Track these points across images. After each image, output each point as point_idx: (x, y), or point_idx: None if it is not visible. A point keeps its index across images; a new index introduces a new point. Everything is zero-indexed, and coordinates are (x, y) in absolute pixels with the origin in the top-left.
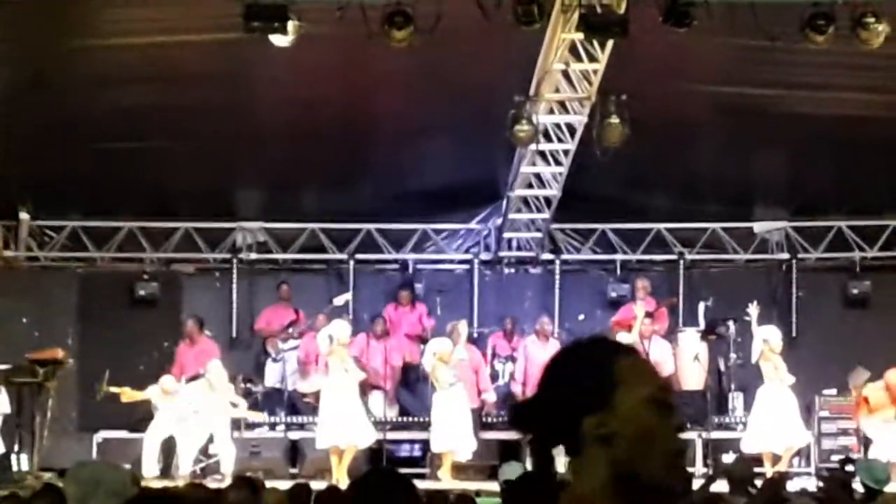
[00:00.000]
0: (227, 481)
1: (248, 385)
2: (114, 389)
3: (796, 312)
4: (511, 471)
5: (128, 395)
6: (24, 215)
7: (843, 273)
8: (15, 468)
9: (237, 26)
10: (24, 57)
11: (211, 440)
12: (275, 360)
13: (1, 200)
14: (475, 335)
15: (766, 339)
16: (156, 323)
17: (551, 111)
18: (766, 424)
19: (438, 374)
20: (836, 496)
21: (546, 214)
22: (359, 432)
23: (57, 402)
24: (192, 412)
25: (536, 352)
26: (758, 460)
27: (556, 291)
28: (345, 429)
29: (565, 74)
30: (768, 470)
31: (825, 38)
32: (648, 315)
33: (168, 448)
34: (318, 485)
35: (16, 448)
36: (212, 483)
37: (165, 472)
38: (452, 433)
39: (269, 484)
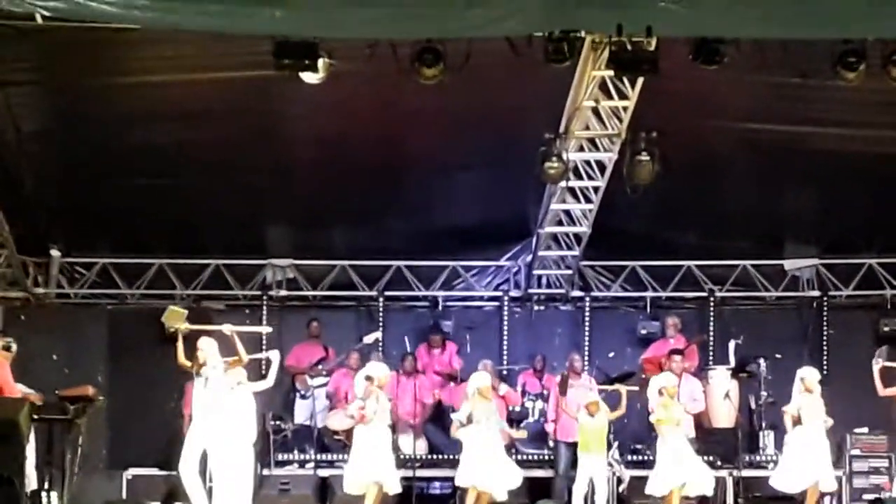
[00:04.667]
0: None
1: (278, 422)
2: (176, 326)
3: (827, 350)
4: None
5: (183, 332)
6: (54, 252)
7: (875, 310)
8: None
9: (268, 63)
10: (55, 94)
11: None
12: (304, 398)
13: (32, 237)
14: (504, 372)
15: (803, 378)
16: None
17: (581, 148)
18: (799, 463)
19: (477, 407)
20: None
21: (576, 251)
22: (391, 475)
23: (87, 439)
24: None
25: (575, 390)
26: (790, 499)
27: (586, 328)
28: (378, 470)
29: (595, 111)
30: None
31: (856, 76)
32: (679, 353)
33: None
34: None
35: (46, 485)
36: None
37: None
38: (483, 469)
39: None
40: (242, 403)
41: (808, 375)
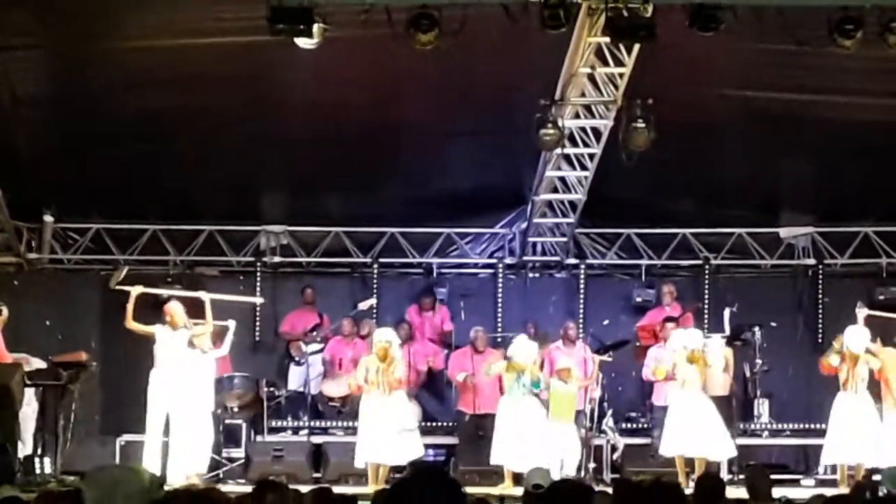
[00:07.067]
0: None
1: (272, 389)
2: (126, 288)
3: (822, 318)
4: (538, 476)
5: (135, 294)
6: (47, 218)
7: (870, 279)
8: (38, 471)
9: (262, 29)
10: (51, 59)
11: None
12: (298, 364)
13: (25, 203)
14: (499, 340)
15: (846, 342)
16: None
17: (577, 115)
18: (851, 434)
19: (504, 378)
20: None
21: (571, 219)
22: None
23: (80, 405)
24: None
25: (562, 357)
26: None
27: (581, 296)
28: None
29: (591, 78)
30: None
31: (853, 43)
32: (673, 320)
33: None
34: (340, 489)
35: (39, 451)
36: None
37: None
38: (514, 446)
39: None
40: (205, 370)
41: (852, 340)
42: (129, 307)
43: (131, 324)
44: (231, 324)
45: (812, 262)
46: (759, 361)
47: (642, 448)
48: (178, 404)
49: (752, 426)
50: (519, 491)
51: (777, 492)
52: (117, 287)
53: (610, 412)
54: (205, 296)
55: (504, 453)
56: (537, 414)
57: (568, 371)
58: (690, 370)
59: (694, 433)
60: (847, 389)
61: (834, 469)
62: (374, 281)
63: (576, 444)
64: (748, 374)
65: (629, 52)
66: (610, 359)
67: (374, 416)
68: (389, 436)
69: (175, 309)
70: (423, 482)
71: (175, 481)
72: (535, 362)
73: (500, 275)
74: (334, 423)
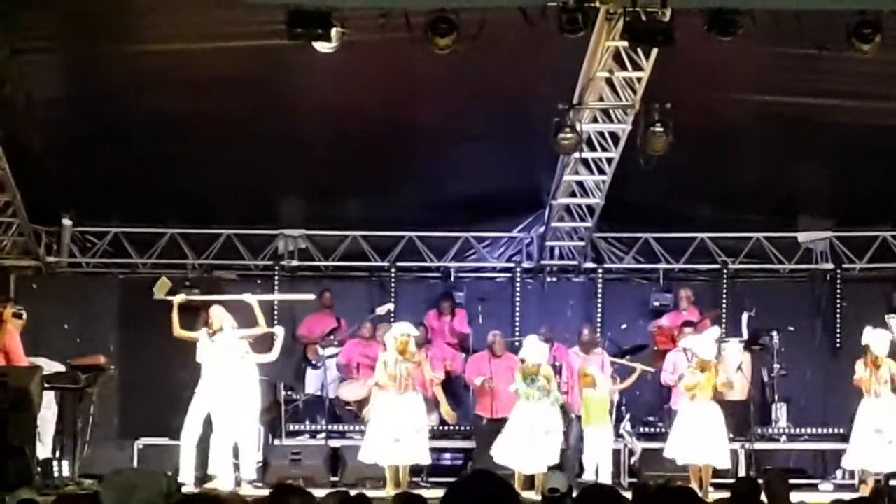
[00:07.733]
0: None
1: (289, 393)
2: (168, 297)
3: (841, 323)
4: (556, 479)
5: (177, 303)
6: (66, 221)
7: (888, 283)
8: (56, 474)
9: (280, 33)
10: (68, 62)
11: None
12: (315, 368)
13: (44, 206)
14: (516, 344)
15: (868, 344)
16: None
17: (595, 119)
18: (872, 440)
19: (519, 384)
20: None
21: (589, 223)
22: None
23: (98, 408)
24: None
25: (580, 363)
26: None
27: (599, 300)
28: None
29: (609, 82)
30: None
31: (871, 47)
32: (691, 325)
33: (204, 451)
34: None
35: (57, 454)
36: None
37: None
38: (520, 448)
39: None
40: (249, 373)
41: (875, 343)
42: (174, 317)
43: (178, 332)
44: (279, 330)
45: (830, 266)
46: (776, 366)
47: (660, 452)
48: (223, 408)
49: (770, 431)
50: (535, 494)
51: (794, 497)
52: (159, 297)
53: (628, 416)
54: (250, 298)
55: (505, 453)
56: (551, 419)
57: (591, 378)
58: (702, 378)
59: (697, 441)
60: (871, 394)
61: (852, 474)
62: (392, 285)
63: (606, 451)
64: (766, 378)
65: (647, 56)
66: (652, 370)
67: (387, 415)
68: (397, 436)
69: (214, 313)
70: (478, 485)
71: (224, 484)
72: (546, 362)
73: (518, 279)
74: (352, 427)
